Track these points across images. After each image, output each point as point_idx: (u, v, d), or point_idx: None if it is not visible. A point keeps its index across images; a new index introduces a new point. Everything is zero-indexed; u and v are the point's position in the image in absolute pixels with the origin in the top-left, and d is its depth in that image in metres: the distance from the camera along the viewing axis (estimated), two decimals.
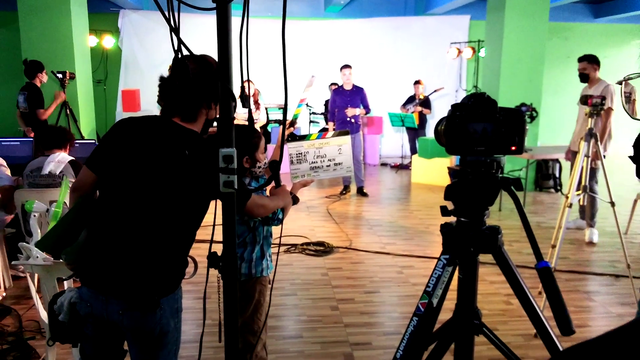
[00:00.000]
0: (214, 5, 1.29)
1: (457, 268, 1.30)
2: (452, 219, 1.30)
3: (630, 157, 0.70)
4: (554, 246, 3.53)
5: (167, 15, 1.31)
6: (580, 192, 3.63)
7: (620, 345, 0.47)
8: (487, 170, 1.17)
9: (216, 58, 1.38)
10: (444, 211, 1.26)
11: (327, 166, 2.37)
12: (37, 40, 6.51)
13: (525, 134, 1.12)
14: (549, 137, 10.16)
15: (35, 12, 6.48)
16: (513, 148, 1.12)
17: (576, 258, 4.56)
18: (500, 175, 1.16)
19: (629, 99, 0.84)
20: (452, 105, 1.16)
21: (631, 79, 0.77)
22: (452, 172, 1.23)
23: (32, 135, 5.45)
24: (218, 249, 1.46)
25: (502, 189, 1.15)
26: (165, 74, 1.79)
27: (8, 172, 3.82)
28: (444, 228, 1.31)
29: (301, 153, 2.35)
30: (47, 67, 6.27)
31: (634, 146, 0.65)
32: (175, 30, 1.34)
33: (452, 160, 7.74)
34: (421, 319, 1.27)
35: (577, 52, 6.02)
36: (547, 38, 7.61)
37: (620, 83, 0.85)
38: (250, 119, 1.59)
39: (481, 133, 1.08)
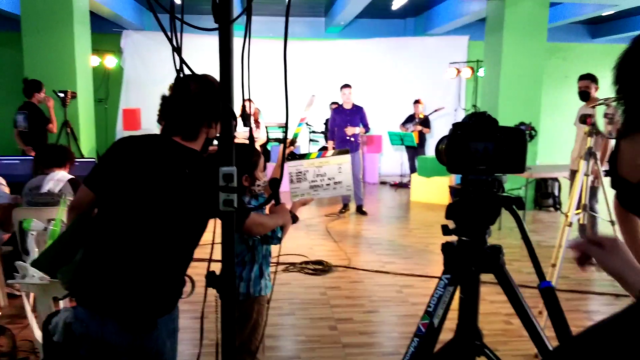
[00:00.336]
0: (217, 25, 1.30)
1: (459, 288, 1.29)
2: (453, 238, 1.29)
3: (605, 171, 0.72)
4: (554, 265, 3.50)
5: (169, 36, 1.32)
6: (580, 211, 3.62)
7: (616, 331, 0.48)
8: (489, 189, 1.16)
9: (218, 78, 1.38)
10: (445, 230, 1.25)
11: (327, 185, 2.36)
12: (39, 60, 6.55)
13: (526, 153, 1.11)
14: (548, 156, 10.18)
15: (38, 32, 6.53)
16: (514, 167, 1.12)
17: (576, 277, 4.53)
18: (502, 194, 1.16)
19: (612, 120, 0.87)
20: (453, 124, 1.16)
21: (605, 103, 0.80)
22: (453, 190, 1.22)
23: (32, 154, 5.46)
24: (216, 268, 1.44)
25: (504, 207, 1.15)
26: (167, 93, 1.79)
27: (7, 190, 3.81)
28: (445, 247, 1.30)
29: (301, 172, 2.34)
30: (49, 86, 6.30)
31: (608, 161, 0.66)
32: (177, 50, 1.35)
33: (452, 179, 7.75)
34: (422, 339, 1.25)
35: (575, 72, 6.06)
36: (545, 58, 7.68)
37: (598, 105, 0.88)
38: (251, 137, 1.59)
39: (482, 152, 1.08)
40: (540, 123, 7.68)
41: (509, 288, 1.25)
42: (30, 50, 6.55)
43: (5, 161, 4.52)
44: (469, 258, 1.25)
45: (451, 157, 1.17)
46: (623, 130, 0.60)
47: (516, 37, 7.46)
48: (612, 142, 4.80)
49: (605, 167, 4.69)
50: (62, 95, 6.23)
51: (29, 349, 3.15)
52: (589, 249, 0.97)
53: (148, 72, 10.24)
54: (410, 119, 9.43)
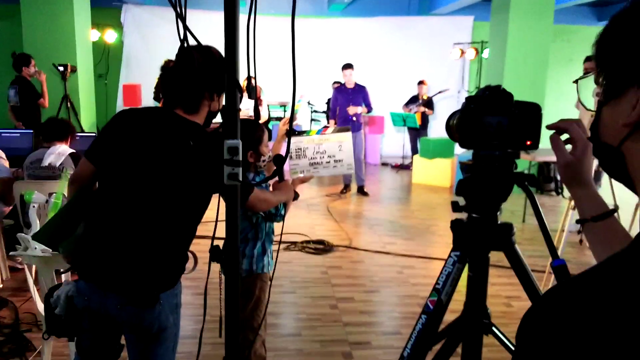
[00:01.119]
0: None
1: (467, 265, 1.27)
2: (463, 215, 1.27)
3: (588, 138, 0.74)
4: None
5: (173, 1, 1.27)
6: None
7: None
8: (501, 165, 1.13)
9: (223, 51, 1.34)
10: (455, 207, 1.23)
11: (327, 162, 2.32)
12: (39, 34, 6.46)
13: (540, 129, 1.08)
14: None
15: (37, 5, 6.44)
16: (528, 143, 1.09)
17: (577, 261, 4.53)
18: (515, 171, 1.13)
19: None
20: (467, 98, 1.13)
21: (585, 77, 0.84)
22: (464, 167, 1.19)
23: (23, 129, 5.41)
24: (220, 244, 1.42)
25: (516, 184, 1.12)
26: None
27: (6, 163, 3.79)
28: (455, 224, 1.28)
29: (300, 148, 2.31)
30: (49, 59, 6.22)
31: (590, 129, 0.71)
32: (181, 16, 1.31)
33: (454, 161, 7.71)
34: (430, 316, 1.24)
35: (580, 55, 5.97)
36: (551, 40, 7.57)
37: (576, 82, 0.91)
38: (257, 111, 1.56)
39: (496, 127, 1.05)
40: (544, 106, 7.61)
41: (520, 267, 1.23)
42: (29, 23, 6.46)
43: (5, 134, 4.49)
44: (479, 235, 1.23)
45: (463, 131, 1.14)
46: (603, 98, 0.65)
47: (522, 18, 7.34)
48: None
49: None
50: (61, 69, 6.16)
51: (32, 322, 3.16)
52: (569, 126, 0.98)
53: (148, 48, 10.12)
54: (414, 99, 9.35)
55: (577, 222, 0.98)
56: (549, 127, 1.02)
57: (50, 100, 6.22)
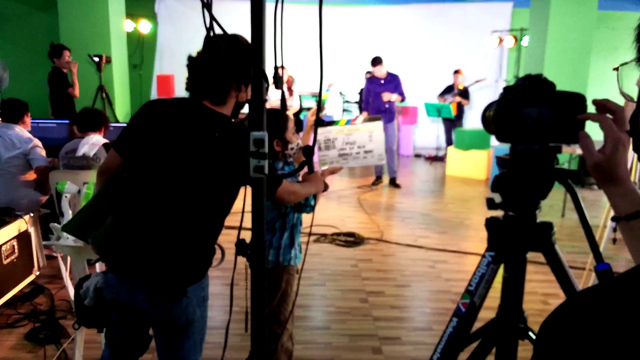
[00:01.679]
0: None
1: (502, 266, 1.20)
2: (498, 213, 1.20)
3: (627, 131, 0.67)
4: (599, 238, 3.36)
5: None
6: None
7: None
8: (541, 160, 1.05)
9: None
10: (491, 204, 1.15)
11: (357, 153, 2.26)
12: (74, 24, 6.59)
13: (585, 121, 1.00)
14: (595, 131, 9.75)
15: None
16: (572, 137, 1.00)
17: (622, 257, 4.35)
18: (556, 167, 1.05)
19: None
20: (505, 88, 1.05)
21: (626, 63, 0.75)
22: (501, 161, 1.12)
23: (52, 117, 5.46)
24: (247, 235, 1.39)
25: (558, 181, 1.04)
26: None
27: (43, 152, 3.87)
28: (490, 223, 1.20)
29: (329, 139, 2.25)
30: (84, 50, 6.33)
31: (630, 122, 0.63)
32: (207, 5, 1.27)
33: (490, 153, 7.51)
34: (462, 319, 1.17)
35: (626, 43, 5.69)
36: (594, 27, 7.26)
37: (616, 69, 0.82)
38: (283, 101, 1.51)
39: (536, 119, 0.97)
40: (587, 96, 7.32)
41: (560, 269, 1.15)
42: (65, 14, 6.59)
43: (42, 124, 4.59)
44: (516, 235, 1.16)
45: (501, 124, 1.07)
46: None
47: (564, 4, 7.05)
48: None
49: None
50: (96, 59, 6.25)
51: (67, 309, 3.23)
52: (601, 119, 0.92)
53: (182, 39, 10.22)
54: (449, 89, 9.14)
55: (612, 219, 0.91)
56: (579, 118, 0.95)
57: (85, 91, 6.33)
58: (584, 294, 0.46)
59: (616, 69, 0.81)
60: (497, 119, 1.07)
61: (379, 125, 2.29)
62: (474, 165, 7.68)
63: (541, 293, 3.58)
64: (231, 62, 1.60)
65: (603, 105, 0.92)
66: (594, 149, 0.90)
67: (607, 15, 10.86)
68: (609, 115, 0.91)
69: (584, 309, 0.43)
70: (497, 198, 1.19)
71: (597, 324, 0.41)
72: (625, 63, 0.75)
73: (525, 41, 9.10)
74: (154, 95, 10.18)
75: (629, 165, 3.37)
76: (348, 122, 2.29)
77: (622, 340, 0.39)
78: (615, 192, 0.90)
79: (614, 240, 4.56)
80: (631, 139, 0.86)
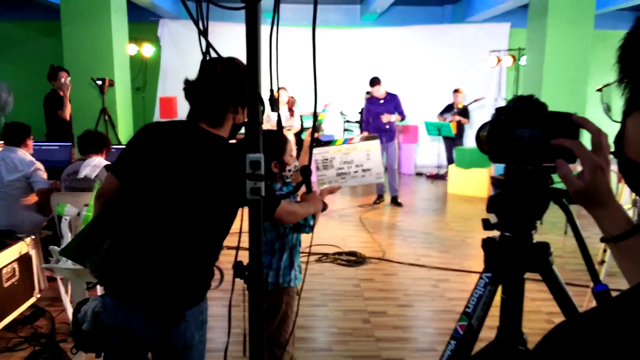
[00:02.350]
0: (243, 5, 1.24)
1: (500, 287, 1.20)
2: (495, 233, 1.20)
3: (612, 152, 0.67)
4: (601, 262, 3.34)
5: (195, 18, 1.26)
6: (630, 206, 3.42)
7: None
8: (535, 180, 1.06)
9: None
10: (487, 225, 1.16)
11: (355, 172, 2.27)
12: (78, 49, 6.68)
13: (578, 139, 1.00)
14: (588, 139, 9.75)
15: (77, 21, 6.66)
16: (564, 156, 1.01)
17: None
18: (550, 186, 1.06)
19: (609, 107, 0.82)
20: (497, 109, 1.06)
21: (609, 85, 0.76)
22: (496, 182, 1.12)
23: (45, 140, 5.39)
24: (245, 256, 1.39)
25: (552, 201, 1.04)
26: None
27: (45, 175, 3.90)
28: (487, 243, 1.20)
29: (327, 159, 2.26)
30: (87, 73, 6.39)
31: (614, 142, 0.63)
32: (203, 32, 1.30)
33: (491, 171, 7.52)
34: (460, 342, 1.16)
35: None
36: (591, 46, 7.32)
37: (600, 90, 0.83)
38: (279, 123, 1.53)
39: (528, 139, 0.98)
40: (585, 115, 7.31)
41: (559, 290, 1.14)
42: (70, 38, 6.68)
43: (45, 147, 4.62)
44: (513, 255, 1.15)
45: (493, 145, 1.07)
46: (627, 108, 0.58)
47: (561, 24, 7.12)
48: None
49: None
50: (99, 82, 6.32)
51: (67, 332, 3.21)
52: (574, 146, 0.93)
53: (184, 61, 10.32)
54: (449, 108, 9.20)
55: (601, 240, 0.91)
56: (553, 143, 0.95)
57: (88, 114, 6.38)
58: (579, 318, 0.46)
59: (600, 89, 0.81)
60: (490, 139, 1.08)
61: (376, 144, 2.30)
62: (476, 183, 7.68)
63: (545, 312, 3.54)
64: (227, 85, 1.62)
65: (581, 125, 0.93)
66: (572, 177, 0.91)
67: (603, 34, 10.94)
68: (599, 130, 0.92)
69: (579, 333, 0.43)
70: (493, 218, 1.19)
71: (591, 349, 0.41)
72: (609, 84, 0.76)
73: (523, 60, 9.17)
74: (156, 117, 10.26)
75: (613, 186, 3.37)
76: (345, 141, 2.30)
77: None
78: (600, 215, 0.90)
79: (602, 262, 4.54)
80: (600, 164, 0.87)
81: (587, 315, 0.45)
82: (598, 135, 0.90)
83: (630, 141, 0.59)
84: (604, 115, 0.88)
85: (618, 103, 0.70)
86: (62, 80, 5.67)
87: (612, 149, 0.66)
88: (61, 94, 5.71)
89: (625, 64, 0.57)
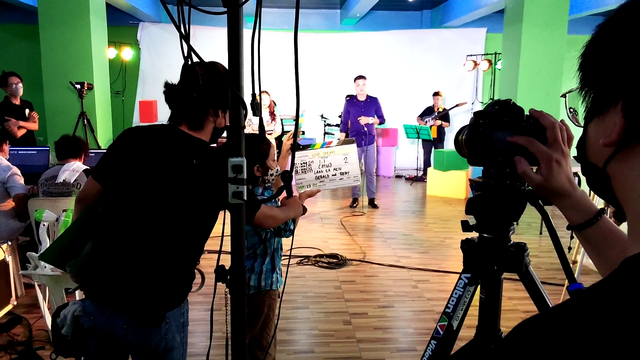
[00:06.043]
0: (225, 10, 1.25)
1: (479, 287, 1.22)
2: (473, 234, 1.22)
3: (574, 157, 0.70)
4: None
5: (177, 22, 1.27)
6: (602, 206, 3.51)
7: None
8: (513, 182, 1.09)
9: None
10: (465, 226, 1.18)
11: (334, 175, 2.30)
12: (56, 52, 6.58)
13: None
14: (575, 130, 9.94)
15: (55, 24, 6.56)
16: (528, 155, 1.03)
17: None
18: (527, 188, 1.09)
19: (574, 112, 0.85)
20: (475, 113, 1.09)
21: (572, 91, 0.79)
22: (474, 184, 1.15)
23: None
24: (227, 260, 1.40)
25: (529, 202, 1.08)
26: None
27: (22, 181, 3.83)
28: (465, 244, 1.23)
29: (305, 162, 2.29)
30: (66, 77, 6.30)
31: (576, 147, 0.67)
32: (185, 37, 1.30)
33: (469, 173, 7.63)
34: (440, 342, 1.19)
35: None
36: (565, 51, 7.49)
37: (564, 96, 0.86)
38: (261, 126, 1.54)
39: (506, 143, 1.01)
40: (559, 118, 7.50)
41: (535, 290, 1.18)
42: (47, 42, 6.58)
43: (22, 152, 4.54)
44: (491, 256, 1.18)
45: (472, 148, 1.10)
46: (588, 114, 0.60)
47: (535, 29, 7.27)
48: None
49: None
50: (78, 86, 6.24)
51: (45, 339, 3.16)
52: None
53: (164, 65, 10.25)
54: (428, 111, 9.31)
55: (567, 228, 0.95)
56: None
57: (66, 118, 6.29)
58: (541, 315, 0.46)
59: (564, 95, 0.84)
60: (468, 143, 1.11)
61: (353, 147, 2.33)
62: (454, 185, 7.79)
63: (522, 310, 3.61)
64: (207, 88, 1.63)
65: (537, 119, 0.96)
66: (531, 173, 0.93)
67: (577, 39, 11.12)
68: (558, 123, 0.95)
69: (540, 330, 0.44)
70: (472, 220, 1.22)
71: (552, 345, 0.42)
72: (571, 90, 0.78)
73: (499, 65, 9.33)
74: (136, 120, 10.14)
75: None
76: (323, 145, 2.33)
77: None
78: (563, 204, 0.93)
79: (569, 249, 4.64)
80: (555, 157, 0.89)
81: (550, 313, 0.46)
82: (552, 129, 0.93)
83: (590, 146, 0.62)
84: (580, 116, 0.90)
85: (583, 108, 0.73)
86: (14, 86, 5.48)
87: (576, 153, 0.69)
88: (13, 101, 5.53)
89: (586, 72, 0.59)
